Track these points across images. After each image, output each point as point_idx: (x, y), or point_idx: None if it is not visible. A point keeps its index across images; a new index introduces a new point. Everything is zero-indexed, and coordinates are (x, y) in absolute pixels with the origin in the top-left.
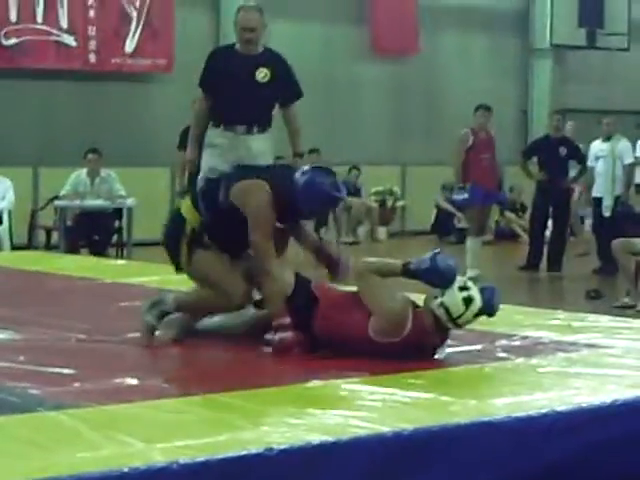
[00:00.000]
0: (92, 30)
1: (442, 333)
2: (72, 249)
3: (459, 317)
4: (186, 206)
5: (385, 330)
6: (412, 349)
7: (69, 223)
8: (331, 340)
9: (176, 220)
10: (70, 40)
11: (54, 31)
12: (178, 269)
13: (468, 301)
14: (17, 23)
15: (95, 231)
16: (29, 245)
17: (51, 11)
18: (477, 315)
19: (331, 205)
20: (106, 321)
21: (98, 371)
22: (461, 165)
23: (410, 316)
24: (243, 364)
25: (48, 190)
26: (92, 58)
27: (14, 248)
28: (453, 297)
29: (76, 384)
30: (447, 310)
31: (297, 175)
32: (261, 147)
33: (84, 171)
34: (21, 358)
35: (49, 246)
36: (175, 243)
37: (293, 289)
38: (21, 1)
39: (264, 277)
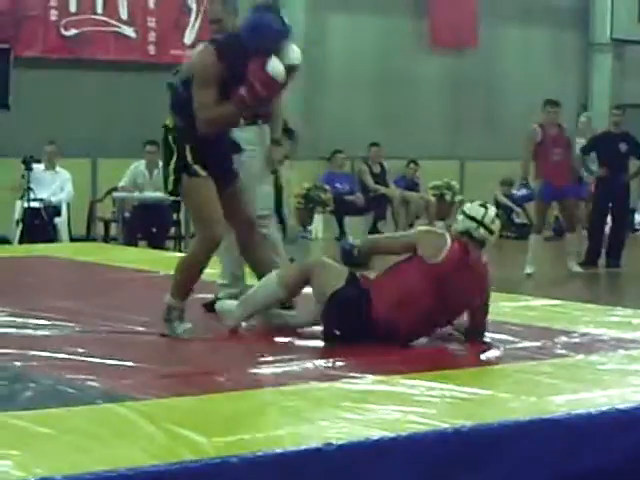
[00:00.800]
0: (151, 21)
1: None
2: (130, 241)
3: (484, 217)
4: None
5: (428, 249)
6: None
7: (127, 215)
8: (390, 317)
9: (164, 140)
10: (129, 31)
11: (113, 22)
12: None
13: (484, 205)
14: (77, 14)
15: (153, 223)
16: (88, 237)
17: (111, 2)
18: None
19: (278, 37)
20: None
21: (156, 363)
22: (530, 161)
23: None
24: None
25: (106, 182)
26: (151, 50)
27: (73, 240)
28: (470, 207)
29: (135, 376)
30: (471, 218)
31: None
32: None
33: (142, 163)
34: (80, 350)
35: (107, 238)
36: (165, 166)
37: (345, 283)
38: None
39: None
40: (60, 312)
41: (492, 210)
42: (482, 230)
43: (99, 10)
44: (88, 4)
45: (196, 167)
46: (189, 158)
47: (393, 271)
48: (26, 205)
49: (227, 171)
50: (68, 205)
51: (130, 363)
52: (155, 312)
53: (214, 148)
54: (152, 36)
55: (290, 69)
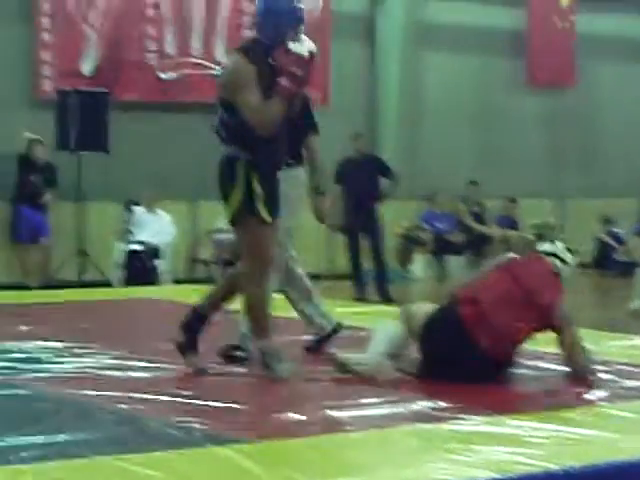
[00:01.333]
0: None
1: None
2: None
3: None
4: None
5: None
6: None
7: (227, 256)
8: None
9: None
10: None
11: (211, 64)
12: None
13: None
14: (175, 57)
15: None
16: (189, 279)
17: (208, 45)
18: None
19: (293, 18)
20: None
21: (261, 406)
22: None
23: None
24: None
25: (207, 224)
26: None
27: (174, 282)
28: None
29: (240, 418)
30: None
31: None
32: None
33: None
34: (184, 392)
35: (208, 279)
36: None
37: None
38: (178, 35)
39: None
40: (163, 354)
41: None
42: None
43: (196, 52)
44: (186, 47)
45: (262, 210)
46: (257, 192)
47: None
48: (127, 248)
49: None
50: (169, 247)
51: (236, 405)
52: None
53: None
54: None
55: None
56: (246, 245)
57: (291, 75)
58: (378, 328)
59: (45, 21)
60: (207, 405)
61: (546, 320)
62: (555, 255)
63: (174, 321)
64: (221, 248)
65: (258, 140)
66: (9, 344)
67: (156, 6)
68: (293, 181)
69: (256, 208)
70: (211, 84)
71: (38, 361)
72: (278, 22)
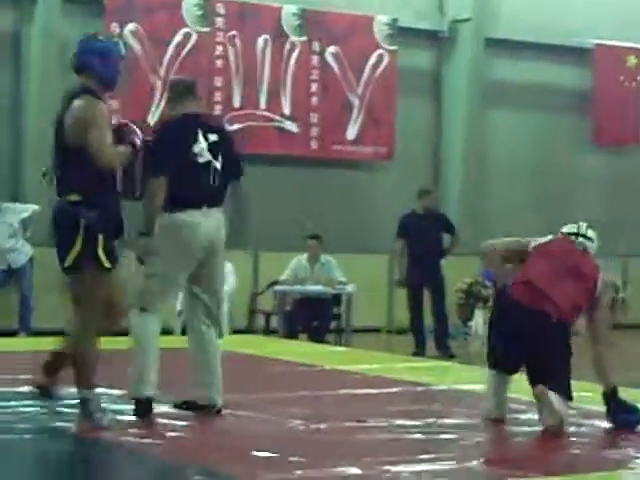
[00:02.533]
0: (314, 117)
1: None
2: (291, 334)
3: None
4: None
5: None
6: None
7: (288, 308)
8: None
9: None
10: (292, 126)
11: (277, 117)
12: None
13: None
14: (241, 109)
15: (314, 317)
16: (248, 329)
17: (274, 98)
18: None
19: (114, 52)
20: (326, 408)
21: (320, 459)
22: None
23: None
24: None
25: (268, 274)
26: (314, 145)
27: (234, 332)
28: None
29: (298, 471)
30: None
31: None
32: None
33: (304, 256)
34: (243, 443)
35: (268, 330)
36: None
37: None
38: (245, 88)
39: None
40: (223, 404)
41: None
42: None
43: (262, 105)
44: (252, 99)
45: (102, 257)
46: (99, 241)
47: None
48: None
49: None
50: (230, 297)
51: (293, 457)
52: (317, 406)
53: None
54: (314, 131)
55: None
56: (85, 292)
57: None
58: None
59: None
60: (265, 457)
61: (591, 291)
62: (580, 234)
63: (232, 371)
64: (282, 299)
65: (99, 193)
66: (68, 390)
67: (224, 58)
68: (217, 223)
69: (97, 254)
70: (275, 137)
71: None
72: (115, 65)
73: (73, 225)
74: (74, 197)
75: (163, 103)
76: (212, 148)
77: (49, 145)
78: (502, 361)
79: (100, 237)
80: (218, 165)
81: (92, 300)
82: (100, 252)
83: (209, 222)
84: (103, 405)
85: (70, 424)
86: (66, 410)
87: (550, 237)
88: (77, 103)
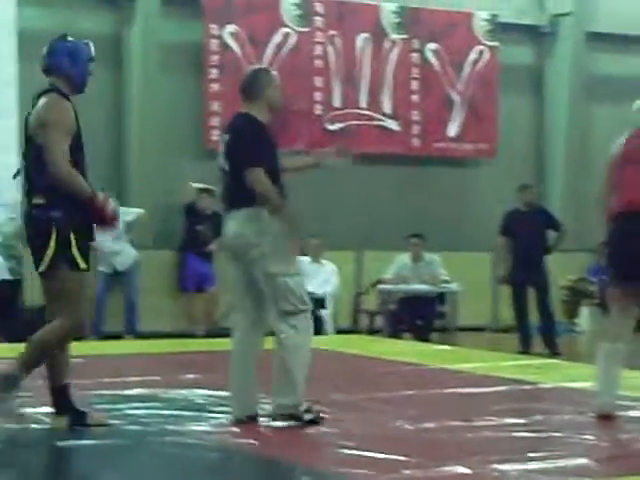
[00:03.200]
0: (415, 115)
1: None
2: (395, 333)
3: None
4: None
5: None
6: None
7: (392, 307)
8: None
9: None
10: (393, 125)
11: (378, 116)
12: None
13: None
14: (341, 108)
15: (418, 315)
16: (353, 329)
17: (375, 96)
18: None
19: (84, 53)
20: (432, 407)
21: (427, 458)
22: None
23: None
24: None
25: (372, 274)
26: (415, 142)
27: (338, 332)
28: None
29: (406, 471)
30: None
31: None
32: None
33: (408, 255)
34: (349, 443)
35: (373, 330)
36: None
37: None
38: (346, 87)
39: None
40: (328, 405)
41: None
42: None
43: (363, 104)
44: (352, 99)
45: (78, 257)
46: (72, 242)
47: None
48: None
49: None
50: (333, 297)
51: (401, 457)
52: (423, 405)
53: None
54: (416, 129)
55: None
56: (61, 293)
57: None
58: None
59: (214, 72)
60: (373, 457)
61: None
62: None
63: (337, 371)
64: (386, 298)
65: (65, 194)
66: (176, 393)
67: (324, 58)
68: (234, 226)
69: (72, 255)
70: (376, 136)
71: (204, 409)
72: (85, 66)
73: (43, 229)
74: (39, 200)
75: None
76: (224, 150)
77: (151, 147)
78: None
79: (72, 237)
80: (226, 167)
81: (73, 301)
82: (75, 252)
83: (228, 226)
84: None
85: (180, 427)
86: (174, 413)
87: (623, 138)
88: (42, 102)
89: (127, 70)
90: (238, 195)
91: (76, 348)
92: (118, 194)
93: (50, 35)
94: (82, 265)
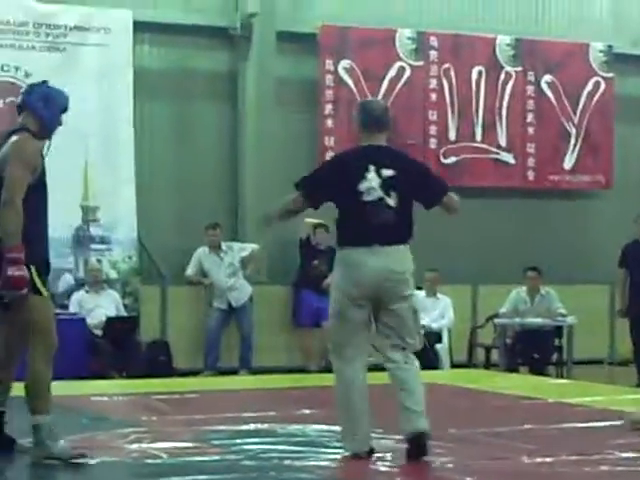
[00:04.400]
0: (531, 147)
1: None
2: (511, 367)
3: None
4: None
5: None
6: None
7: (508, 341)
8: None
9: None
10: (509, 158)
11: (493, 149)
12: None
13: None
14: (456, 142)
15: (535, 349)
16: (468, 363)
17: (490, 130)
18: None
19: (59, 101)
20: (551, 441)
21: None
22: None
23: None
24: None
25: (487, 308)
26: (530, 175)
27: (454, 366)
28: None
29: None
30: None
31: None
32: None
33: (524, 289)
34: (468, 478)
35: (488, 364)
36: None
37: None
38: (461, 121)
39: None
40: (446, 439)
41: None
42: None
43: (478, 138)
44: (467, 132)
45: (42, 287)
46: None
47: None
48: None
49: None
50: (449, 331)
51: None
52: (541, 439)
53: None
54: (531, 162)
55: None
56: (34, 324)
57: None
58: None
59: (328, 107)
60: None
61: None
62: None
63: (454, 406)
64: (502, 332)
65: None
66: (292, 428)
67: (438, 91)
68: (388, 261)
69: (34, 284)
70: (492, 169)
71: (320, 445)
72: (57, 113)
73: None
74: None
75: None
76: (386, 184)
77: (267, 181)
78: None
79: (32, 268)
80: (391, 202)
81: (42, 327)
82: (37, 280)
83: (378, 262)
84: (54, 431)
85: (296, 462)
86: (291, 448)
87: None
88: (13, 139)
89: (242, 106)
90: (401, 230)
91: (192, 384)
92: (234, 229)
93: (166, 73)
94: (44, 293)
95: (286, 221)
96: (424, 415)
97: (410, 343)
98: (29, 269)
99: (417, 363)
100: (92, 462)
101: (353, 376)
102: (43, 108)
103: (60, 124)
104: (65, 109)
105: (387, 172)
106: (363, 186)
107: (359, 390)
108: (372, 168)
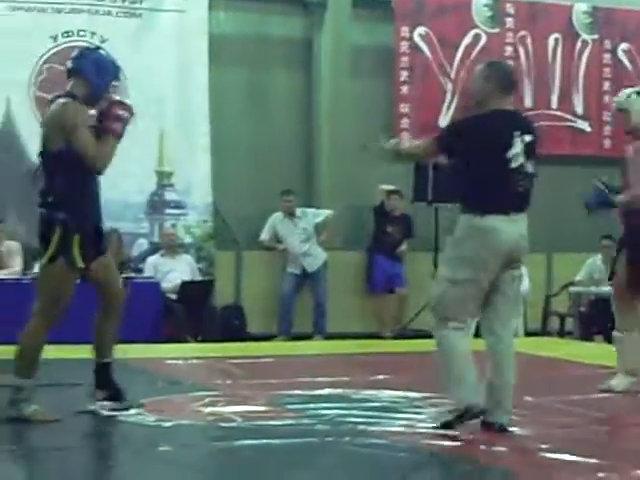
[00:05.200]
0: (607, 115)
1: None
2: (586, 336)
3: None
4: None
5: None
6: None
7: (583, 309)
8: None
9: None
10: (585, 126)
11: (569, 117)
12: None
13: None
14: (532, 109)
15: (610, 318)
16: (543, 331)
17: (566, 97)
18: None
19: (116, 75)
20: (625, 410)
21: (622, 461)
22: None
23: None
24: None
25: (562, 276)
26: (606, 143)
27: (528, 334)
28: None
29: (599, 474)
30: None
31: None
32: None
33: (599, 257)
34: (544, 446)
35: (563, 333)
36: None
37: None
38: (537, 88)
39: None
40: (522, 407)
41: None
42: None
43: (554, 105)
44: (543, 100)
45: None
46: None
47: None
48: None
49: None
50: (524, 300)
51: (593, 460)
52: (615, 408)
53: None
54: (607, 130)
55: None
56: (50, 289)
57: (118, 118)
58: None
59: (404, 74)
60: (563, 460)
61: None
62: None
63: (528, 374)
64: (577, 300)
65: (75, 195)
66: (366, 393)
67: (514, 59)
68: (521, 229)
69: (71, 253)
70: (568, 137)
71: (394, 410)
72: (108, 81)
73: (49, 227)
74: (50, 199)
75: (454, 105)
76: (527, 150)
77: (342, 148)
78: None
79: (77, 237)
80: (530, 168)
81: (56, 295)
82: (75, 251)
83: (513, 228)
84: (31, 396)
85: (370, 427)
86: (364, 413)
87: None
88: (57, 106)
89: (317, 73)
90: (530, 196)
91: (266, 348)
92: (308, 196)
93: (241, 40)
94: (79, 264)
95: (399, 161)
96: (510, 410)
97: (518, 315)
98: (73, 238)
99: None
100: (167, 424)
101: (462, 344)
102: (95, 74)
103: (109, 92)
104: (116, 77)
105: (527, 137)
106: (511, 153)
107: (467, 359)
108: (517, 134)
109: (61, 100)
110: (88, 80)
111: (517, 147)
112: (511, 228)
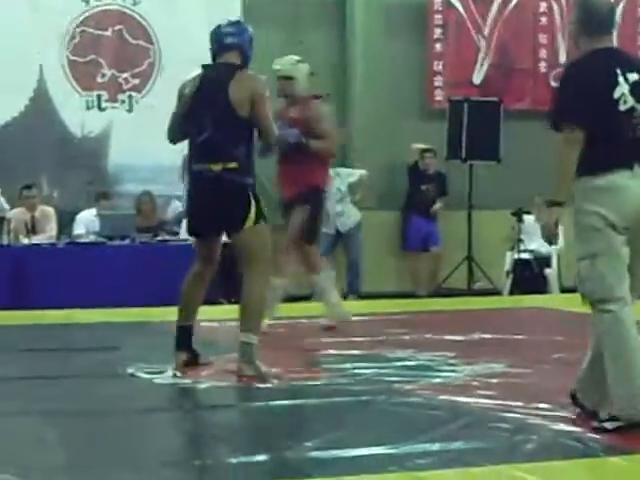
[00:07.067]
0: None
1: None
2: None
3: None
4: None
5: None
6: None
7: None
8: None
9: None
10: None
11: None
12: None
13: None
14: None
15: None
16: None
17: None
18: None
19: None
20: None
21: None
22: None
23: None
24: None
25: None
26: None
27: (563, 291)
28: None
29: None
30: None
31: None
32: None
33: None
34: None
35: None
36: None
37: None
38: (571, 44)
39: None
40: (552, 363)
41: None
42: None
43: None
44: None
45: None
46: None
47: None
48: (516, 256)
49: None
50: (558, 256)
51: None
52: None
53: None
54: None
55: None
56: (261, 246)
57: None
58: None
59: (437, 32)
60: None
61: None
62: None
63: (565, 330)
64: None
65: (251, 162)
66: (401, 352)
67: (548, 15)
68: None
69: (264, 214)
70: None
71: (429, 369)
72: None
73: (239, 191)
74: (232, 165)
75: (487, 62)
76: (635, 90)
77: (375, 108)
78: None
79: (259, 200)
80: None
81: (267, 252)
82: (264, 211)
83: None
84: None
85: (405, 386)
86: (400, 372)
87: None
88: (249, 77)
89: (350, 32)
90: None
91: (300, 309)
92: (342, 156)
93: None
94: (267, 222)
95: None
96: None
97: None
98: (259, 199)
99: None
100: (203, 386)
101: (630, 321)
102: (250, 49)
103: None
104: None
105: (633, 76)
106: (617, 92)
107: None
108: (619, 72)
109: (247, 72)
110: (244, 55)
111: (623, 87)
112: (638, 184)
